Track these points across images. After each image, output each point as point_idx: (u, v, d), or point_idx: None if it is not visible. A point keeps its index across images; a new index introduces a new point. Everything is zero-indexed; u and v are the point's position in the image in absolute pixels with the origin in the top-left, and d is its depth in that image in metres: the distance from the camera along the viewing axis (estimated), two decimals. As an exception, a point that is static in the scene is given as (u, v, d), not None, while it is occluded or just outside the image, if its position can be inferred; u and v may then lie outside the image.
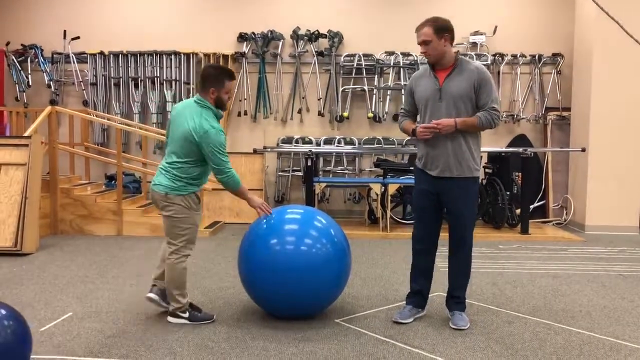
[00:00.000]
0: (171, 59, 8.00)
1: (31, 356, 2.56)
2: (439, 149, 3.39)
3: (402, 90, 7.85)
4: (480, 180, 7.25)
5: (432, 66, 3.43)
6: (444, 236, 3.57)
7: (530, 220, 6.80)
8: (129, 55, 8.07)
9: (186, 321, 3.51)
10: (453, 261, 3.55)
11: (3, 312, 2.44)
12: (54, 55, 8.17)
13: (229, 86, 3.50)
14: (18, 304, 3.79)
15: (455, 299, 3.56)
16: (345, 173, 8.01)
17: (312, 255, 3.40)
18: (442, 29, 3.32)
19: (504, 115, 7.88)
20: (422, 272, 3.62)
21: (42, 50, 8.16)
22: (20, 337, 2.44)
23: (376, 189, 6.74)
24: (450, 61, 3.37)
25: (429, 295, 3.68)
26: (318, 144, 7.91)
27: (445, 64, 3.38)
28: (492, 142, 7.96)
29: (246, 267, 3.53)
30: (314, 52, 7.94)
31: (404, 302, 3.69)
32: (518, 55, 7.89)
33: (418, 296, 3.64)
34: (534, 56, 7.89)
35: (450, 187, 3.43)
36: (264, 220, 3.54)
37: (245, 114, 8.11)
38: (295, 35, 7.94)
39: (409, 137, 3.64)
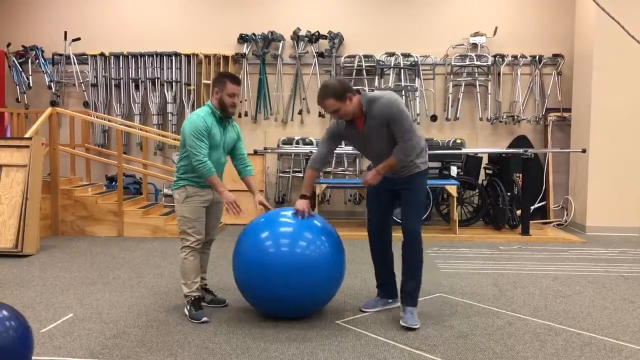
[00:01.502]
0: (172, 60, 8.02)
1: (32, 357, 2.57)
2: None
3: (403, 92, 7.87)
4: (480, 182, 7.34)
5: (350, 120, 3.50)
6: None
7: (530, 221, 6.80)
8: (129, 56, 8.08)
9: (187, 315, 3.64)
10: (404, 253, 3.61)
11: (5, 313, 2.44)
12: (55, 57, 8.18)
13: (232, 88, 3.61)
14: (19, 305, 3.80)
15: (408, 293, 3.56)
16: (346, 174, 8.01)
17: (302, 256, 3.39)
18: (341, 93, 3.33)
19: (504, 117, 7.89)
20: (380, 263, 3.83)
21: (42, 51, 8.18)
22: (23, 339, 2.45)
23: (377, 190, 6.72)
24: (360, 109, 3.41)
25: (430, 297, 3.68)
26: (318, 145, 7.89)
27: (357, 113, 3.44)
28: (493, 144, 7.98)
29: (237, 267, 3.55)
30: (315, 53, 7.95)
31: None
32: (518, 56, 7.89)
33: (382, 287, 3.87)
34: (534, 57, 7.89)
35: (400, 183, 3.59)
36: (256, 222, 3.61)
37: (246, 115, 8.12)
38: (296, 36, 7.95)
39: None
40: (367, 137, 3.47)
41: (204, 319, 3.57)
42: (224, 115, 3.66)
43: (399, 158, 3.40)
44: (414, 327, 3.41)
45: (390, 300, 3.85)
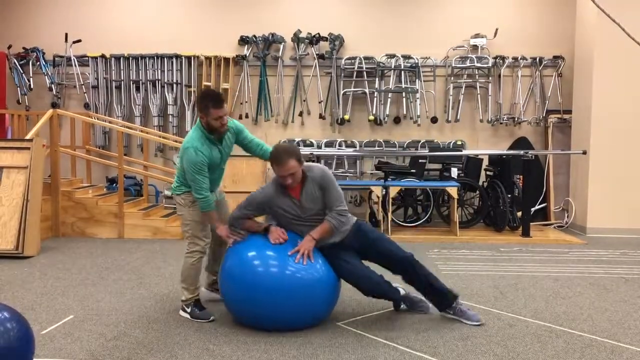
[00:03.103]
0: (172, 62, 8.03)
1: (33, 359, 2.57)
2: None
3: (403, 93, 7.88)
4: (481, 183, 7.34)
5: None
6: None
7: (531, 223, 6.80)
8: (130, 58, 8.09)
9: (188, 317, 3.65)
10: (418, 276, 3.59)
11: (7, 314, 2.44)
12: (56, 58, 8.19)
13: (216, 113, 3.47)
14: (19, 307, 3.79)
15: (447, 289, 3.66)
16: (347, 176, 8.01)
17: (291, 278, 3.31)
18: (300, 157, 3.42)
19: (504, 118, 7.90)
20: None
21: (43, 53, 8.19)
22: (24, 340, 2.45)
23: (377, 191, 6.74)
24: (300, 177, 3.45)
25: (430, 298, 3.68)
26: (319, 147, 7.91)
27: (299, 179, 3.46)
28: (493, 145, 7.99)
29: (226, 284, 3.48)
30: (315, 55, 7.96)
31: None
32: (519, 58, 7.89)
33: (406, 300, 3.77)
34: (534, 59, 7.89)
35: (351, 241, 3.54)
36: (247, 241, 3.52)
37: (247, 116, 8.13)
38: (296, 38, 7.96)
39: None
40: (301, 204, 3.46)
41: (212, 317, 3.60)
42: (216, 136, 3.58)
43: (335, 225, 3.44)
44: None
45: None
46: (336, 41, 7.90)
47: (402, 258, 3.57)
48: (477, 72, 7.91)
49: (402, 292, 3.76)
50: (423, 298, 3.71)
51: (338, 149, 7.91)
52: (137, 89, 8.13)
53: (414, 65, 7.87)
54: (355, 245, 3.57)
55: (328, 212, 3.47)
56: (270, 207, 3.53)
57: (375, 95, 7.89)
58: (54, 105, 6.82)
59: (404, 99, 7.92)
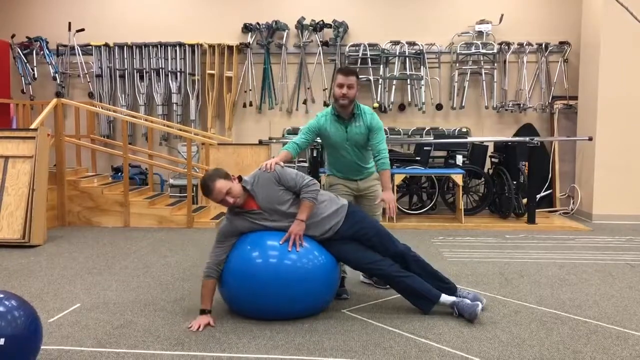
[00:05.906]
0: (176, 50, 8.01)
1: (41, 347, 2.59)
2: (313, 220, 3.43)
3: (408, 80, 7.84)
4: (486, 170, 7.32)
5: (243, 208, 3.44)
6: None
7: (537, 210, 6.79)
8: (133, 46, 8.07)
9: None
10: (420, 265, 3.55)
11: (14, 303, 2.47)
12: (59, 48, 8.18)
13: (339, 79, 3.74)
14: (27, 296, 3.82)
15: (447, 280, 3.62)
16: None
17: (288, 268, 3.30)
18: (225, 174, 3.38)
19: (510, 105, 7.86)
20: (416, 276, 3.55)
21: (47, 42, 8.19)
22: (32, 328, 2.47)
23: (382, 179, 6.72)
24: (245, 190, 3.40)
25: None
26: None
27: (245, 195, 3.41)
28: (499, 132, 7.95)
29: (226, 279, 3.45)
30: (319, 42, 7.92)
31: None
32: (524, 44, 7.83)
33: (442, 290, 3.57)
34: (540, 44, 7.83)
35: (345, 231, 3.48)
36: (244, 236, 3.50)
37: (251, 105, 8.11)
38: (300, 26, 7.92)
39: None
40: (263, 210, 3.40)
41: None
42: (339, 108, 3.71)
43: (309, 198, 3.37)
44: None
45: (456, 297, 3.52)
46: (340, 28, 7.85)
47: (402, 254, 3.53)
48: (482, 59, 7.86)
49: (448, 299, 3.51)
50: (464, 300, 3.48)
51: (342, 136, 7.87)
52: (141, 77, 8.12)
53: (418, 52, 7.82)
54: (350, 237, 3.51)
55: (300, 194, 3.41)
56: (239, 232, 3.46)
57: (380, 82, 7.85)
58: (58, 95, 6.84)
59: (409, 86, 7.88)
